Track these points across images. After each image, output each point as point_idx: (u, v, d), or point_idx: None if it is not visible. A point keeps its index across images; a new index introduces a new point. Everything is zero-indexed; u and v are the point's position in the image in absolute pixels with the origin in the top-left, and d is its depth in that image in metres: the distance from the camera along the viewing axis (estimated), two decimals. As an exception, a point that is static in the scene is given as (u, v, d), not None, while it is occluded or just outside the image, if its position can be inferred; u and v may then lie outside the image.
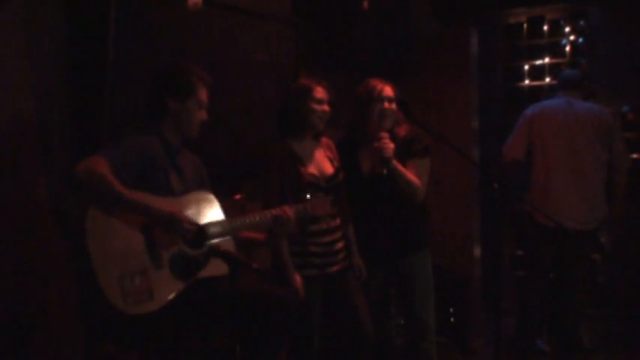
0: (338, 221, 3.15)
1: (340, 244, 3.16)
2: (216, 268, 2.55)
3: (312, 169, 3.07)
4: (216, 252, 2.42)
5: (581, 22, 5.79)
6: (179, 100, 2.62)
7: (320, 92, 3.08)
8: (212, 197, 2.68)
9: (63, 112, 3.02)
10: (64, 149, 3.00)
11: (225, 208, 2.71)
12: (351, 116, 3.32)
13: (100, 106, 3.08)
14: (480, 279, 5.07)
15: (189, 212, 2.53)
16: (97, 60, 3.08)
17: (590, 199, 3.95)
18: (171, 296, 2.41)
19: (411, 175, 3.18)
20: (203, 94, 2.67)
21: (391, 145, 3.11)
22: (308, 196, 2.88)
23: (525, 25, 5.94)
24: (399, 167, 3.15)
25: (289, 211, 2.75)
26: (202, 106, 2.68)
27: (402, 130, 3.27)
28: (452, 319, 4.62)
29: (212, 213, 2.63)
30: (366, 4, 4.65)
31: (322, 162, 3.15)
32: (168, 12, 3.40)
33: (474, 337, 4.75)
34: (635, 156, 5.52)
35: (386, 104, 3.20)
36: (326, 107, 3.09)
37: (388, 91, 3.22)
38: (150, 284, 2.37)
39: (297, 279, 2.98)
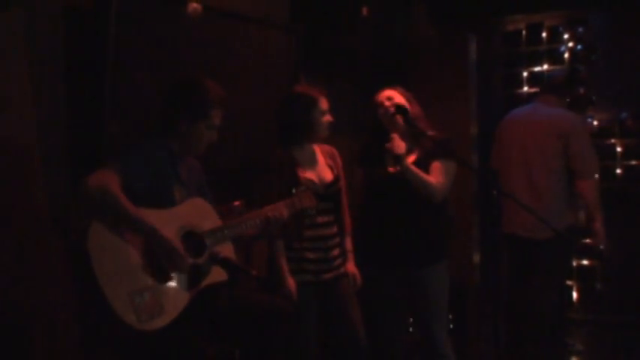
0: (334, 229, 3.16)
1: (336, 252, 3.17)
2: (217, 274, 2.55)
3: (311, 176, 3.09)
4: (216, 259, 2.43)
5: (580, 29, 5.79)
6: (191, 123, 2.58)
7: (324, 103, 3.12)
8: (206, 203, 2.67)
9: (63, 121, 3.02)
10: (64, 157, 3.00)
11: (224, 214, 2.71)
12: (371, 121, 3.31)
13: (101, 116, 3.08)
14: (479, 285, 5.06)
15: (187, 221, 2.52)
16: (97, 71, 3.08)
17: (541, 207, 3.56)
18: (180, 307, 2.41)
19: (425, 175, 3.12)
20: (217, 117, 2.62)
21: (402, 144, 3.07)
22: (294, 190, 2.89)
23: (524, 32, 5.93)
24: (412, 167, 3.10)
25: (283, 208, 2.79)
26: (214, 128, 2.63)
27: (431, 133, 3.23)
28: (451, 326, 4.62)
29: (208, 219, 2.62)
30: (365, 11, 4.66)
31: (322, 169, 3.16)
32: (169, 22, 3.40)
33: (473, 343, 4.74)
34: (634, 163, 5.52)
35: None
36: (330, 117, 3.13)
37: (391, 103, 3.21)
38: (159, 298, 2.36)
39: (291, 282, 3.00)
